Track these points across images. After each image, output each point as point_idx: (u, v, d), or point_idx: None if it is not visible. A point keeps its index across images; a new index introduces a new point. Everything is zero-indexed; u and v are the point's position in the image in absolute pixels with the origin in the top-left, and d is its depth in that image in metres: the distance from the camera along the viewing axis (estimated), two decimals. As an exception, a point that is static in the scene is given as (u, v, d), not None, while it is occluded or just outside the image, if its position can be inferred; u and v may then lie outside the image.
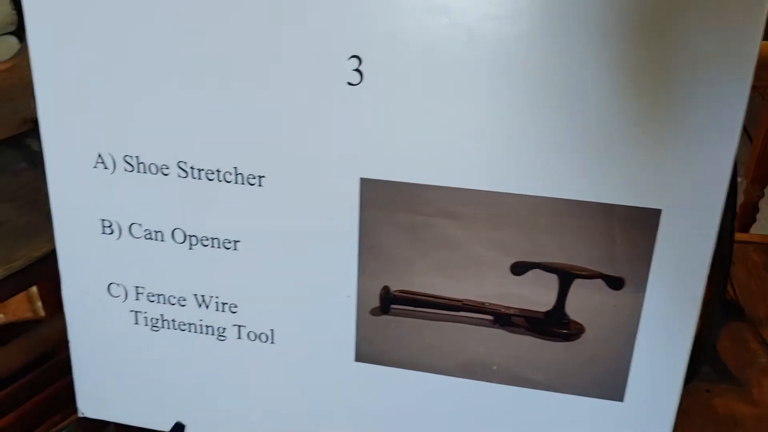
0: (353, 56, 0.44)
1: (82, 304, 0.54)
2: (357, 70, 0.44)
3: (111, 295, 0.53)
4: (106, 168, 0.50)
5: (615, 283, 0.46)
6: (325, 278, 0.49)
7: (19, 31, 0.66)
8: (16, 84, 0.64)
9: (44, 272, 0.67)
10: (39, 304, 1.29)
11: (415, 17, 0.42)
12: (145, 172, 0.49)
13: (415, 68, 0.43)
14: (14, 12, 0.65)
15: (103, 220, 0.51)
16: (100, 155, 0.49)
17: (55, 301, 0.95)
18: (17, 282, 0.65)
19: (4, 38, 0.66)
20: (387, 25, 0.43)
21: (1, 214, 0.66)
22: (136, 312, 0.54)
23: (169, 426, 0.57)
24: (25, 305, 1.31)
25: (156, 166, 0.49)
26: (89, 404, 0.58)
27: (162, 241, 0.51)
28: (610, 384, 0.48)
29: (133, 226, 0.51)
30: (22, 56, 0.65)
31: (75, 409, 0.93)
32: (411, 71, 0.44)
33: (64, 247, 0.53)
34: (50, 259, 0.64)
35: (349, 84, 0.44)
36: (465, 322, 0.49)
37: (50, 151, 0.50)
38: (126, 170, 0.49)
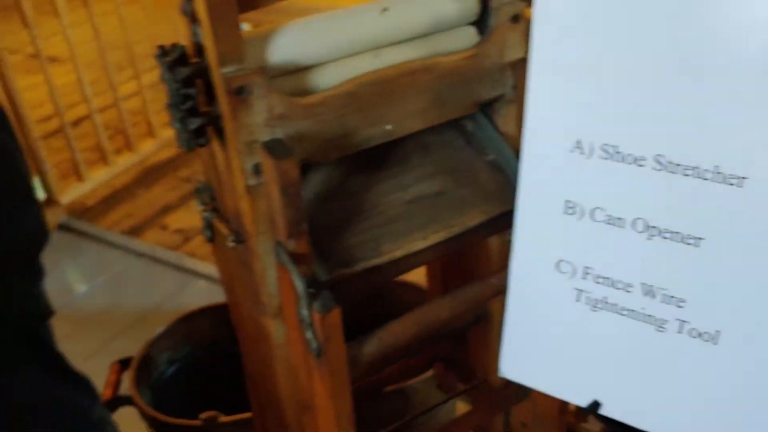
0: None
1: (528, 274, 0.60)
2: None
3: (559, 271, 0.58)
4: (582, 153, 0.54)
5: None
6: (793, 289, 0.48)
7: (479, 22, 0.73)
8: (474, 71, 0.71)
9: (469, 242, 0.74)
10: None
11: None
12: (619, 162, 0.52)
13: None
14: (479, 5, 0.72)
15: (567, 201, 0.55)
16: (579, 141, 0.53)
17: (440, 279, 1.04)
18: (450, 245, 0.73)
19: (467, 28, 0.73)
20: None
21: (443, 185, 0.74)
22: (580, 290, 0.57)
23: (585, 402, 0.60)
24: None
25: (633, 157, 0.51)
26: (512, 367, 0.64)
27: (621, 228, 0.54)
28: None
29: (596, 211, 0.54)
30: (479, 46, 0.72)
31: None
32: None
33: (524, 220, 0.58)
34: (474, 231, 0.71)
35: None
36: None
37: (531, 133, 0.56)
38: (601, 157, 0.53)
